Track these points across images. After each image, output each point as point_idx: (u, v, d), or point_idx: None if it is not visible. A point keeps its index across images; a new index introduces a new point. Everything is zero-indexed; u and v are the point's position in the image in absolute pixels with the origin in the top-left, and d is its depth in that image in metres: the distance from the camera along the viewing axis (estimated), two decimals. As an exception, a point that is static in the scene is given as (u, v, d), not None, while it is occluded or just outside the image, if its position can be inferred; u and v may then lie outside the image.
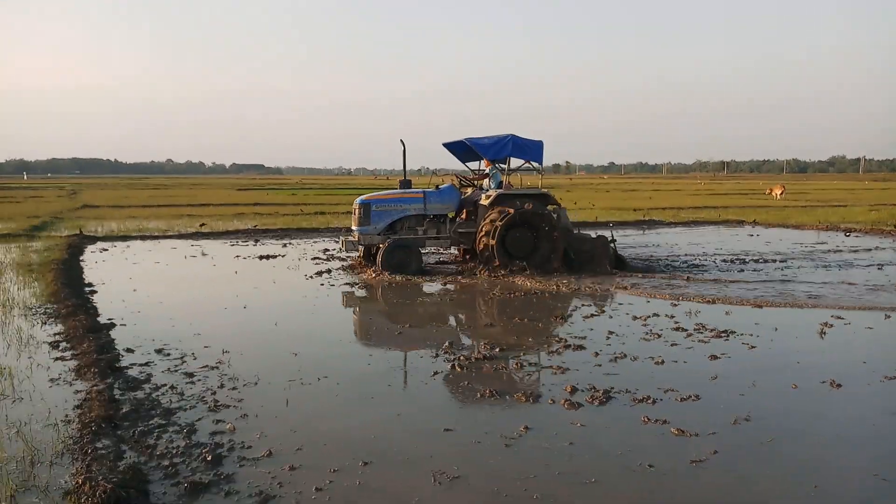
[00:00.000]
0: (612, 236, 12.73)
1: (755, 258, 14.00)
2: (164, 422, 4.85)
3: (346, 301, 9.81)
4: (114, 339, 7.10)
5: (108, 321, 7.96)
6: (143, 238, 17.67)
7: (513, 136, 12.34)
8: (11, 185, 63.25)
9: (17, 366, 6.08)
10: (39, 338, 7.11)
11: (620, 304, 9.22)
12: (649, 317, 8.29)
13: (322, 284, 10.83)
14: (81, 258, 13.85)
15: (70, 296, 9.21)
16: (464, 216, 12.82)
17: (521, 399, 5.36)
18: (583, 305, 9.21)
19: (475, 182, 13.44)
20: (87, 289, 10.23)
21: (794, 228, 21.20)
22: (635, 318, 8.25)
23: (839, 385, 5.73)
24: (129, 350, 6.75)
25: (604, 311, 8.67)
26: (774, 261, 13.56)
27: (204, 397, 5.40)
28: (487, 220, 11.76)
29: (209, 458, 4.21)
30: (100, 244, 16.37)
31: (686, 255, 14.67)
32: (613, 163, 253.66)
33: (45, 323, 7.81)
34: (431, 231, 12.50)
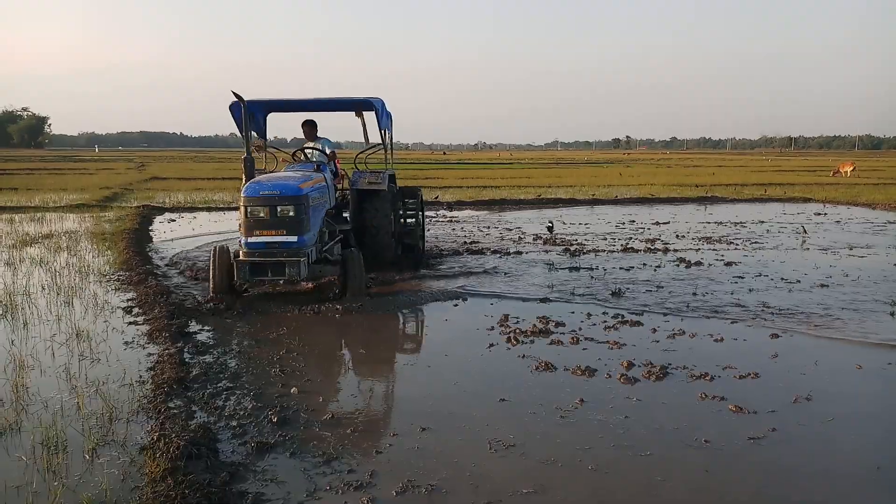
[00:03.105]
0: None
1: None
2: (231, 384, 5.07)
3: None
4: (184, 305, 7.39)
5: (174, 288, 8.29)
6: (209, 209, 18.23)
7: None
8: (84, 157, 65.73)
9: (94, 329, 6.41)
10: (114, 303, 7.46)
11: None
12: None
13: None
14: (151, 228, 14.40)
15: (141, 263, 9.61)
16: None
17: (576, 373, 5.40)
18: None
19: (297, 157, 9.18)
20: (155, 255, 10.65)
21: (866, 207, 20.43)
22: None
23: (907, 367, 5.59)
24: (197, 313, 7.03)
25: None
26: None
27: (270, 362, 5.60)
28: (383, 213, 9.18)
29: (275, 420, 4.39)
30: (167, 215, 16.95)
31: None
32: (676, 138, 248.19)
33: (119, 289, 8.17)
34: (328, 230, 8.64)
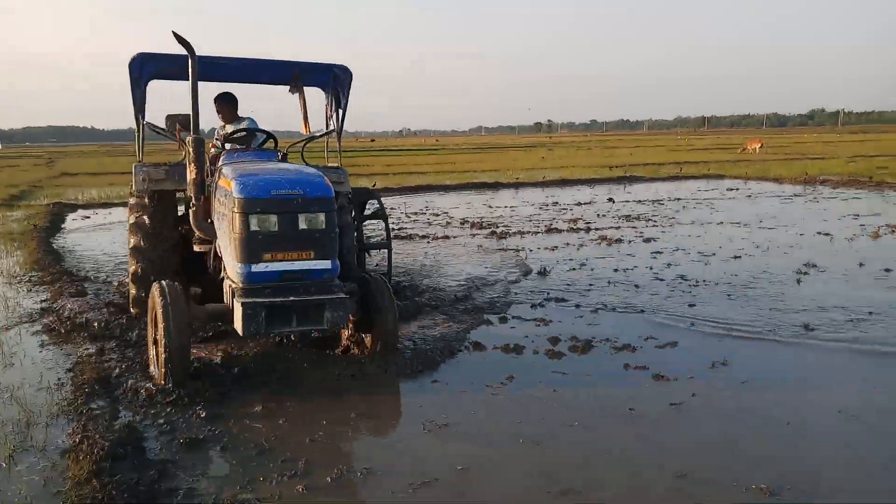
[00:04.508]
0: None
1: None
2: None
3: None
4: (102, 303, 7.12)
5: (92, 287, 7.97)
6: (125, 204, 17.55)
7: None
8: (-15, 156, 62.14)
9: (7, 332, 6.11)
10: (26, 305, 7.12)
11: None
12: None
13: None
14: (63, 225, 13.80)
15: (54, 262, 9.21)
16: None
17: (505, 350, 5.51)
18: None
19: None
20: (69, 255, 10.22)
21: (774, 181, 21.44)
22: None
23: (812, 329, 5.94)
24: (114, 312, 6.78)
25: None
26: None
27: (195, 357, 5.45)
28: (346, 223, 6.34)
29: (204, 415, 4.29)
30: (81, 212, 16.25)
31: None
32: (595, 121, 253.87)
33: (31, 290, 7.81)
34: None
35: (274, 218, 4.58)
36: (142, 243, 6.04)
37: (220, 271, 5.37)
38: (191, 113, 5.08)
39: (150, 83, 6.53)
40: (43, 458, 3.76)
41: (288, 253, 4.63)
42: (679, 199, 16.91)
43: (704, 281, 7.78)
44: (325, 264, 4.72)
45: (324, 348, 5.56)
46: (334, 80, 6.73)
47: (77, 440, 3.86)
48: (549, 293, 7.34)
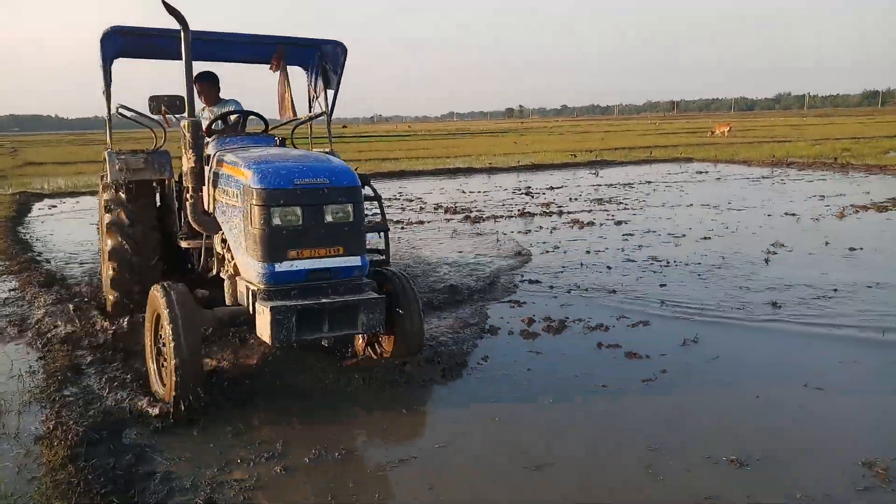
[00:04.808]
0: None
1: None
2: (130, 369, 4.87)
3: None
4: (70, 291, 7.03)
5: (61, 275, 7.87)
6: (93, 193, 17.27)
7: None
8: (-55, 145, 60.53)
9: (-26, 322, 6.02)
10: (-6, 294, 7.02)
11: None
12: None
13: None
14: (29, 215, 13.58)
15: (21, 251, 9.06)
16: None
17: (481, 331, 5.55)
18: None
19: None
20: (37, 243, 10.05)
21: (742, 164, 21.74)
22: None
23: (779, 306, 6.07)
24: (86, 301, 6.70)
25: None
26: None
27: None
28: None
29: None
30: (48, 201, 15.97)
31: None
32: (566, 106, 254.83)
33: (-2, 280, 7.69)
34: None
35: (298, 210, 4.06)
36: (122, 244, 5.44)
37: (211, 269, 5.07)
38: (186, 93, 4.54)
39: (129, 63, 6.07)
40: (16, 445, 3.73)
41: (315, 249, 4.12)
42: (650, 182, 17.08)
43: (675, 262, 7.91)
44: (355, 261, 4.24)
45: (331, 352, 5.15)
46: (321, 58, 6.23)
47: (51, 426, 3.84)
48: (523, 275, 7.41)
